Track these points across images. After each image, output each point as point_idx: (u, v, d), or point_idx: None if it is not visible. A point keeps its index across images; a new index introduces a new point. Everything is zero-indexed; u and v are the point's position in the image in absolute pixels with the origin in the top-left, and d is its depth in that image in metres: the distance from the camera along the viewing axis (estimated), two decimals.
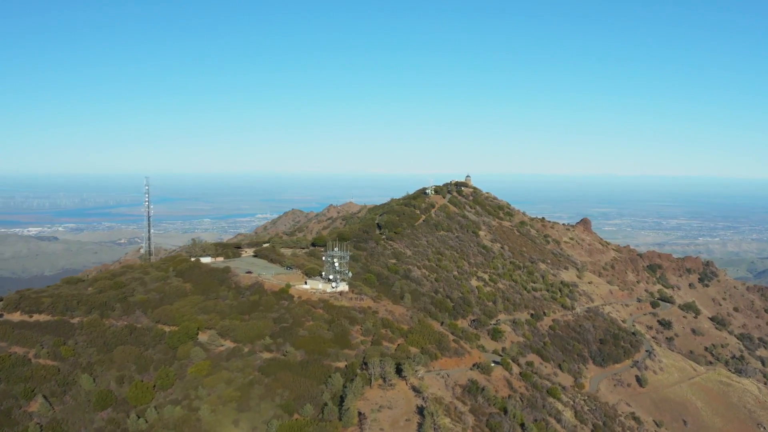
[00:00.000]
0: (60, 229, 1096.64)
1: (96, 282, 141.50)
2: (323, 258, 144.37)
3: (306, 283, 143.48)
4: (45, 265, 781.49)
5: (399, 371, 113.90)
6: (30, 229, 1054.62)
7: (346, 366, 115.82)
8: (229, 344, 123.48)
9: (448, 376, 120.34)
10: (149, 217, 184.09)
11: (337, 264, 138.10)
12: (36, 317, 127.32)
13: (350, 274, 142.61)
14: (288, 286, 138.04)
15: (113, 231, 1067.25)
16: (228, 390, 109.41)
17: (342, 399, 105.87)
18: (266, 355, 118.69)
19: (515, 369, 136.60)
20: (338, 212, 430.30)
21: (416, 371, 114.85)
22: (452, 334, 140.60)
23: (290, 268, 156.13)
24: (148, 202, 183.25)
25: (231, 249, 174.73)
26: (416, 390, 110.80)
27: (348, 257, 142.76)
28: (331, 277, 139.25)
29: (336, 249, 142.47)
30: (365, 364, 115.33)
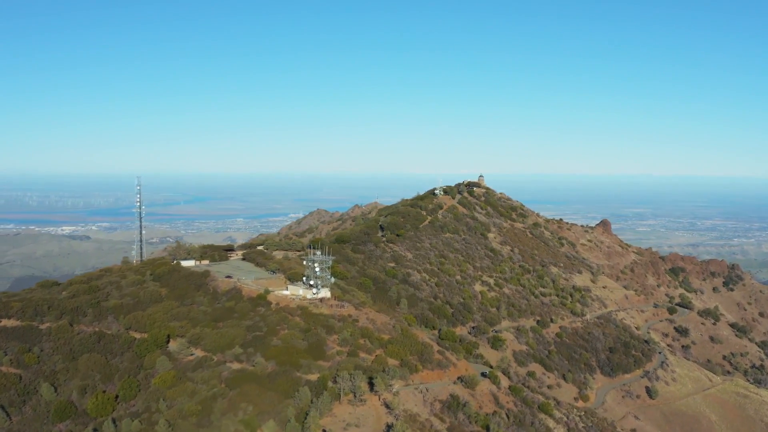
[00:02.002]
0: (93, 228, 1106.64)
1: (70, 286, 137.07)
2: (304, 262, 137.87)
3: (287, 288, 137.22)
4: (76, 264, 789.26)
5: (372, 385, 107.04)
6: (63, 228, 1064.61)
7: (318, 379, 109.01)
8: (199, 353, 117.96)
9: (427, 390, 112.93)
10: (141, 218, 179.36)
11: (318, 269, 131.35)
12: (4, 322, 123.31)
13: (332, 280, 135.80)
14: (266, 291, 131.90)
15: (145, 231, 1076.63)
16: (189, 403, 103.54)
17: (308, 415, 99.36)
18: (235, 366, 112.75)
19: (504, 382, 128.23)
20: (362, 212, 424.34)
21: (390, 386, 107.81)
22: (438, 344, 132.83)
23: (274, 272, 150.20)
24: (140, 202, 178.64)
25: (219, 251, 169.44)
26: (388, 406, 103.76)
27: (330, 262, 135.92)
28: (312, 282, 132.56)
29: (318, 253, 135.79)
30: (337, 377, 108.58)
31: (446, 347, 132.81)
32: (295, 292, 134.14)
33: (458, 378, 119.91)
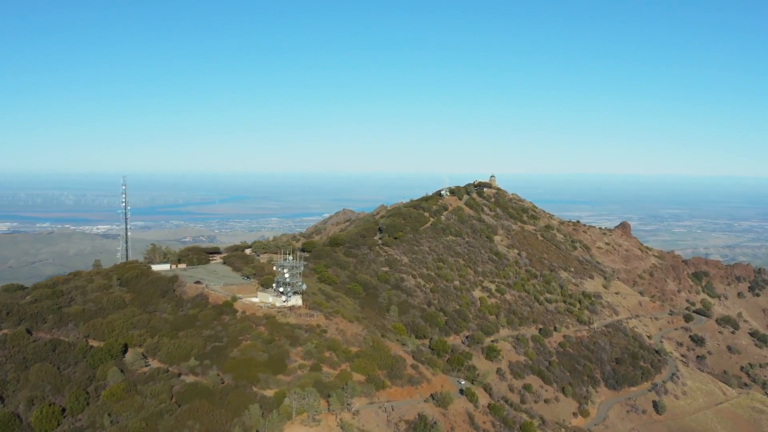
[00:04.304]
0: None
1: (34, 290, 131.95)
2: (274, 268, 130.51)
3: (257, 295, 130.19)
4: (107, 263, 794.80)
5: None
6: (99, 227, 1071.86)
7: (275, 395, 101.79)
8: (155, 364, 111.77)
9: (392, 409, 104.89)
10: (126, 219, 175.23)
11: (287, 274, 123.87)
12: None
13: (304, 287, 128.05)
14: (234, 299, 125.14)
15: (179, 229, 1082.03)
16: (134, 420, 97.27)
17: None
18: (189, 379, 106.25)
19: (483, 400, 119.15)
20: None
21: (349, 404, 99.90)
22: (414, 357, 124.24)
23: (248, 277, 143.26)
24: (126, 203, 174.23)
25: (200, 255, 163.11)
26: (344, 427, 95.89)
27: (302, 267, 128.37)
28: (281, 289, 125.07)
29: (290, 258, 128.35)
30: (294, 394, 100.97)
31: (422, 361, 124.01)
32: (265, 299, 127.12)
33: (430, 395, 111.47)
